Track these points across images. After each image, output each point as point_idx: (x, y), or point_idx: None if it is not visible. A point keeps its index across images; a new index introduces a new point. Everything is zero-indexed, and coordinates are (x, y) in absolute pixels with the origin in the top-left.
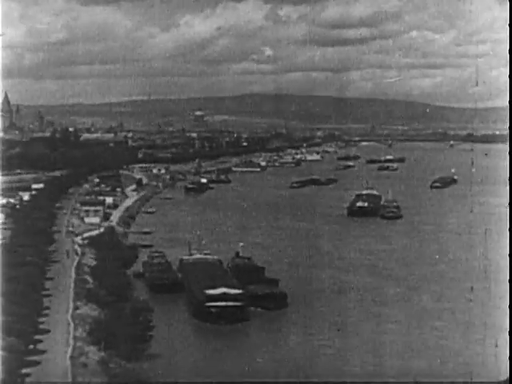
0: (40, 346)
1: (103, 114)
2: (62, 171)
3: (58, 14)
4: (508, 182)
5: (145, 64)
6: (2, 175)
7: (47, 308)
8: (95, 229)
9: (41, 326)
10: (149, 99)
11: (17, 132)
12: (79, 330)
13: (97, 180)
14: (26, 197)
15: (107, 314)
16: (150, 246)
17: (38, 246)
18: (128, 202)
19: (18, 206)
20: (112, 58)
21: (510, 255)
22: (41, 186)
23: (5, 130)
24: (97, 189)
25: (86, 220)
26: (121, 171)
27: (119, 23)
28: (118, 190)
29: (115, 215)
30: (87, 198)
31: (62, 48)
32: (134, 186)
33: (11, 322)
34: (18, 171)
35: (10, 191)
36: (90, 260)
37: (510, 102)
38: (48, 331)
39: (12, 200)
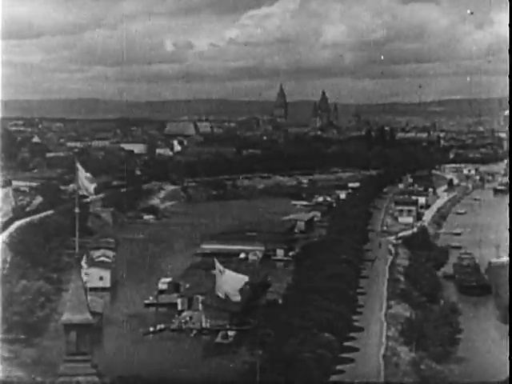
0: (354, 344)
1: (418, 113)
2: (377, 170)
3: (379, 12)
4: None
5: (460, 63)
6: (320, 173)
7: (361, 306)
8: (408, 228)
9: (355, 324)
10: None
11: (334, 131)
12: (392, 330)
13: (410, 180)
14: (342, 195)
15: (418, 314)
16: (459, 248)
17: (353, 245)
18: (439, 203)
19: (334, 205)
20: (429, 56)
21: (509, 255)
22: (357, 184)
23: (323, 129)
24: (410, 188)
25: (400, 219)
26: (433, 171)
27: (436, 21)
28: (430, 190)
29: (427, 215)
30: (401, 197)
31: (381, 47)
32: (445, 187)
33: (328, 319)
34: (335, 169)
35: (327, 189)
36: (403, 260)
37: (509, 101)
38: (362, 329)
39: (329, 198)
